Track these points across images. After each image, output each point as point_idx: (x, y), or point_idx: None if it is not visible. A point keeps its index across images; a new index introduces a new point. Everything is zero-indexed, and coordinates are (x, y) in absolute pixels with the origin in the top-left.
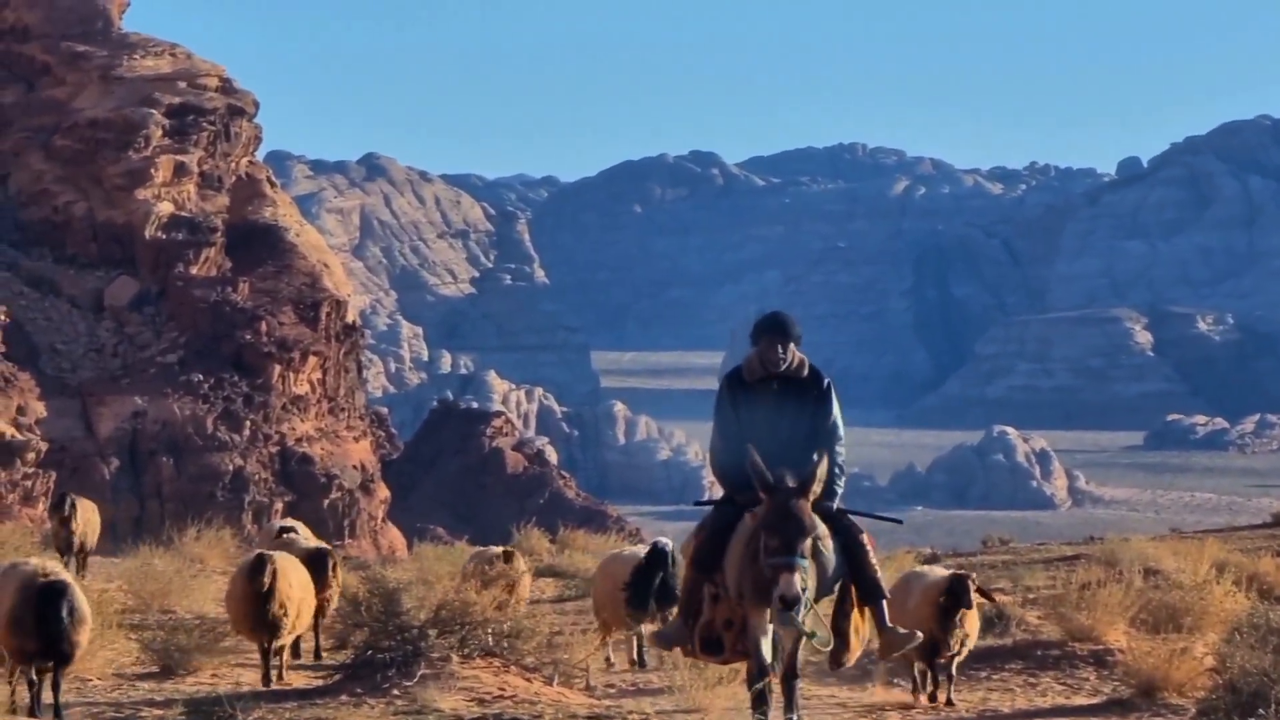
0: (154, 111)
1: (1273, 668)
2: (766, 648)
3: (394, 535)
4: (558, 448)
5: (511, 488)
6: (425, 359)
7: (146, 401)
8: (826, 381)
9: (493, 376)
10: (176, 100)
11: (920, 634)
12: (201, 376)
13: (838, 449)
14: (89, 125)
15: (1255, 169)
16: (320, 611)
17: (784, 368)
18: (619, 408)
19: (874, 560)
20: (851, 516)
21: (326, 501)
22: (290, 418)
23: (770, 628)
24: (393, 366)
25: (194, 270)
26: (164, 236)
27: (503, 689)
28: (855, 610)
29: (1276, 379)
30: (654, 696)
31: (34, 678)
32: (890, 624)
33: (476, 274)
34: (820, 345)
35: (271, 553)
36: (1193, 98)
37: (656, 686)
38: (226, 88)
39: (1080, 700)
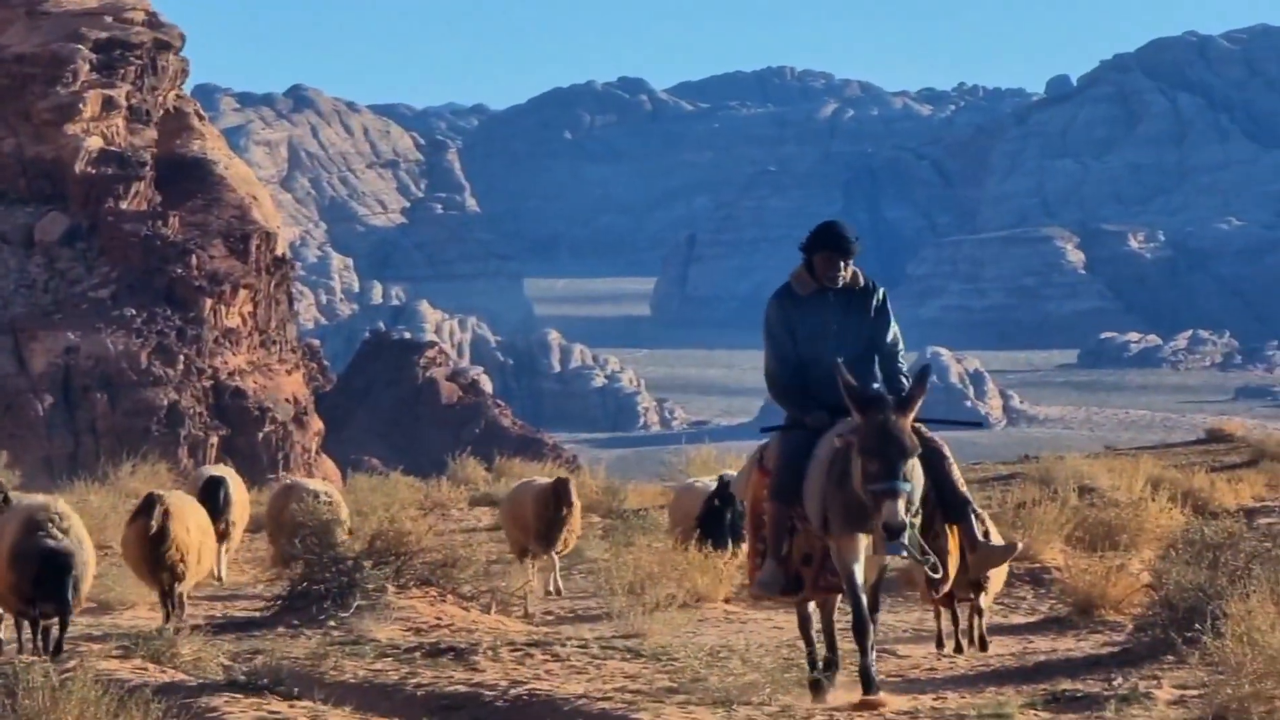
0: (81, 46)
1: (1208, 583)
2: (860, 577)
3: (328, 467)
4: (492, 377)
5: (446, 418)
6: (356, 290)
7: (79, 337)
8: (883, 292)
9: (425, 306)
10: (103, 35)
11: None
12: (134, 311)
13: (900, 360)
14: (15, 61)
15: (1184, 86)
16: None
17: (840, 285)
18: (553, 336)
19: (957, 472)
20: (923, 424)
21: (260, 435)
22: (223, 351)
23: (863, 558)
24: (324, 298)
25: (124, 205)
26: (93, 171)
27: (439, 618)
28: (948, 527)
29: (1209, 295)
30: (593, 623)
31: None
32: (982, 539)
33: (407, 204)
34: (752, 270)
35: (162, 492)
36: (1121, 15)
37: (595, 613)
38: (152, 21)
39: (1018, 619)
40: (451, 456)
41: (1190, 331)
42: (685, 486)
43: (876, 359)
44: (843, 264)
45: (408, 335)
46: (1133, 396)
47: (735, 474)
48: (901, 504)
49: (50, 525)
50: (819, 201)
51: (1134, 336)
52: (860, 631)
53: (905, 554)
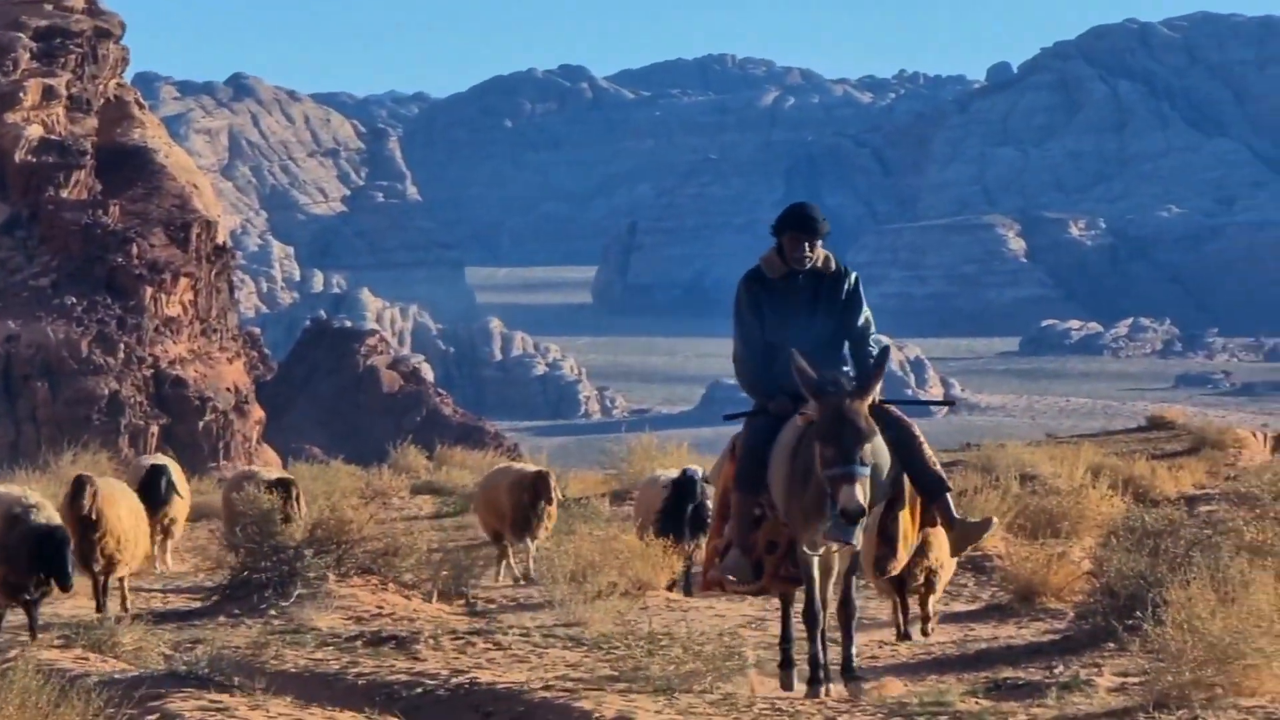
0: (21, 35)
1: (1149, 571)
2: (817, 570)
3: (269, 456)
4: (433, 365)
5: (388, 406)
6: (297, 278)
7: (20, 325)
8: (854, 275)
9: (366, 295)
10: (43, 23)
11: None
12: (74, 300)
13: (872, 343)
14: None
15: (1124, 73)
16: (167, 532)
17: (809, 267)
18: (494, 324)
19: (929, 451)
20: (893, 407)
21: (201, 424)
22: (163, 340)
23: (822, 548)
24: (265, 287)
25: (65, 193)
26: (34, 160)
27: (380, 607)
28: (905, 511)
29: (1149, 282)
30: (534, 611)
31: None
32: (959, 515)
33: (348, 192)
34: (693, 258)
35: (93, 475)
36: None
37: (537, 601)
38: (93, 9)
39: (959, 606)
40: (393, 445)
41: (1131, 319)
42: (650, 479)
43: (847, 344)
44: (809, 245)
45: (349, 324)
46: (1074, 384)
47: (698, 468)
48: (859, 488)
49: (33, 512)
50: (760, 189)
51: (1075, 324)
52: (811, 620)
53: (851, 541)
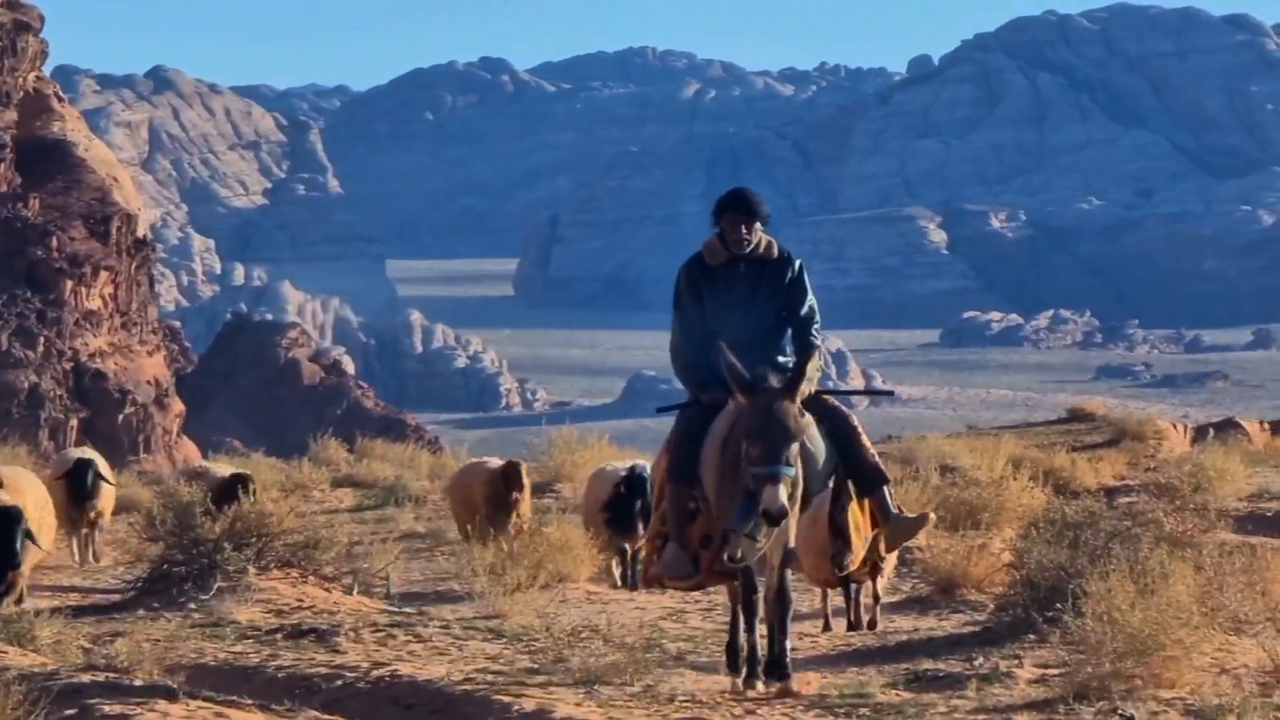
0: None
1: (1069, 563)
2: (755, 562)
3: (190, 449)
4: (355, 358)
5: (309, 399)
6: (218, 271)
7: None
8: (798, 263)
9: (287, 288)
10: None
11: (933, 515)
12: None
13: (814, 332)
14: None
15: (1044, 65)
16: (94, 525)
17: (750, 249)
18: (415, 317)
19: (868, 443)
20: (833, 397)
21: (121, 417)
22: (83, 334)
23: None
24: (185, 280)
25: None
26: None
27: (301, 600)
28: (854, 503)
29: (1069, 274)
30: (454, 604)
31: None
32: (895, 509)
33: (269, 185)
34: (614, 250)
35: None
36: None
37: (457, 594)
38: (11, 2)
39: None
40: (313, 438)
41: (1051, 311)
42: (597, 473)
43: (789, 332)
44: (746, 227)
45: (269, 317)
46: (994, 376)
47: (646, 463)
48: (783, 489)
49: None
50: (681, 182)
51: (995, 316)
52: (748, 610)
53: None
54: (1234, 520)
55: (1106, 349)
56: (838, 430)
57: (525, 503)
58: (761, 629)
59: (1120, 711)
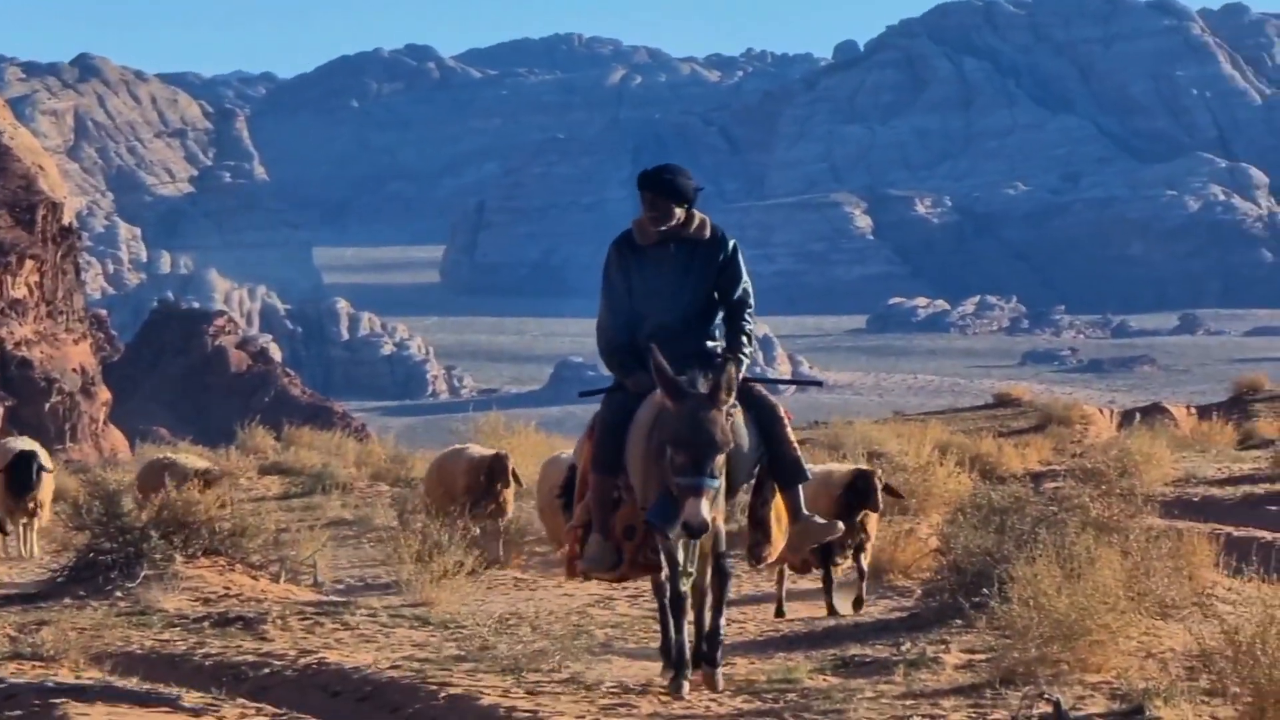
0: None
1: (995, 548)
2: (681, 552)
3: (116, 437)
4: (281, 345)
5: (236, 387)
6: (144, 259)
7: None
8: (732, 244)
9: (214, 275)
10: None
11: (842, 525)
12: None
13: (747, 316)
14: None
15: (969, 51)
16: (33, 515)
17: (669, 225)
18: (342, 304)
19: (792, 437)
20: (762, 385)
21: (47, 405)
22: (9, 322)
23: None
24: (111, 268)
25: None
26: None
27: (228, 588)
28: (777, 496)
29: (995, 260)
30: (381, 592)
31: None
32: (807, 512)
33: (195, 172)
34: (541, 237)
35: None
36: None
37: (384, 582)
38: None
39: (806, 584)
40: (240, 425)
41: (977, 296)
42: (552, 459)
43: (721, 314)
44: (663, 207)
45: (196, 304)
46: (921, 361)
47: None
48: (706, 503)
49: None
50: (607, 168)
51: (922, 301)
52: (677, 609)
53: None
54: (1160, 505)
55: (1033, 334)
56: (764, 421)
57: (509, 497)
58: (697, 617)
59: (1046, 696)
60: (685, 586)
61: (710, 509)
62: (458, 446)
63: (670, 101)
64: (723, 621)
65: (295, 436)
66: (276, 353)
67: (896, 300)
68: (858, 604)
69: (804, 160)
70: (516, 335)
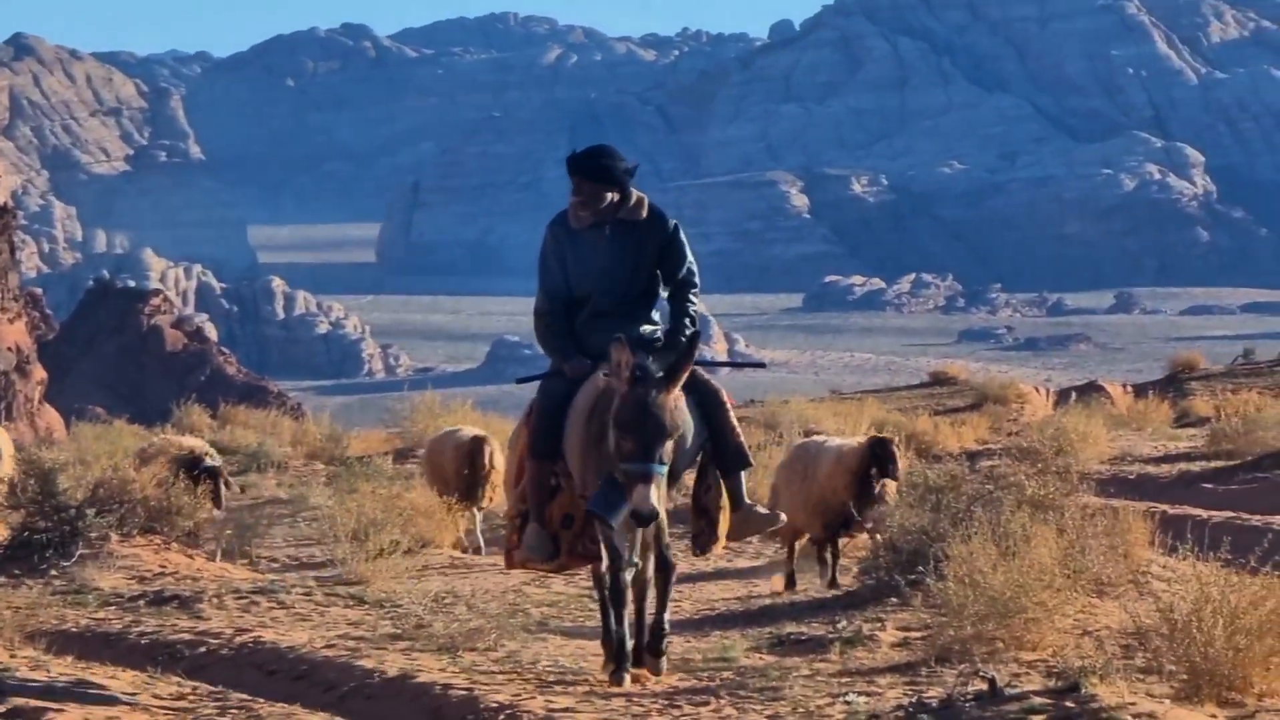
0: None
1: (931, 526)
2: (621, 540)
3: (51, 416)
4: (217, 324)
5: (171, 366)
6: (80, 239)
7: None
8: (673, 224)
9: (149, 254)
10: None
11: (784, 517)
12: None
13: (692, 296)
14: None
15: (905, 30)
16: None
17: (600, 209)
18: (277, 283)
19: (735, 423)
20: (703, 369)
21: None
22: None
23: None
24: (47, 247)
25: None
26: None
27: (164, 566)
28: (722, 484)
29: (931, 238)
30: (317, 570)
31: None
32: (750, 500)
33: (131, 151)
34: (477, 215)
35: None
36: None
37: (320, 560)
38: None
39: (743, 563)
40: (176, 404)
41: (913, 275)
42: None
43: (662, 298)
44: (591, 191)
45: (132, 283)
46: (857, 340)
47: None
48: (654, 490)
49: None
50: (544, 147)
51: (858, 280)
52: (618, 600)
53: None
54: (1096, 483)
55: (969, 313)
56: (707, 406)
57: (496, 481)
58: (639, 609)
59: (982, 674)
60: (628, 578)
61: (659, 496)
62: (448, 429)
63: (606, 81)
64: (667, 615)
65: (231, 415)
66: (212, 331)
67: (832, 279)
68: (833, 583)
69: (740, 139)
70: (452, 314)
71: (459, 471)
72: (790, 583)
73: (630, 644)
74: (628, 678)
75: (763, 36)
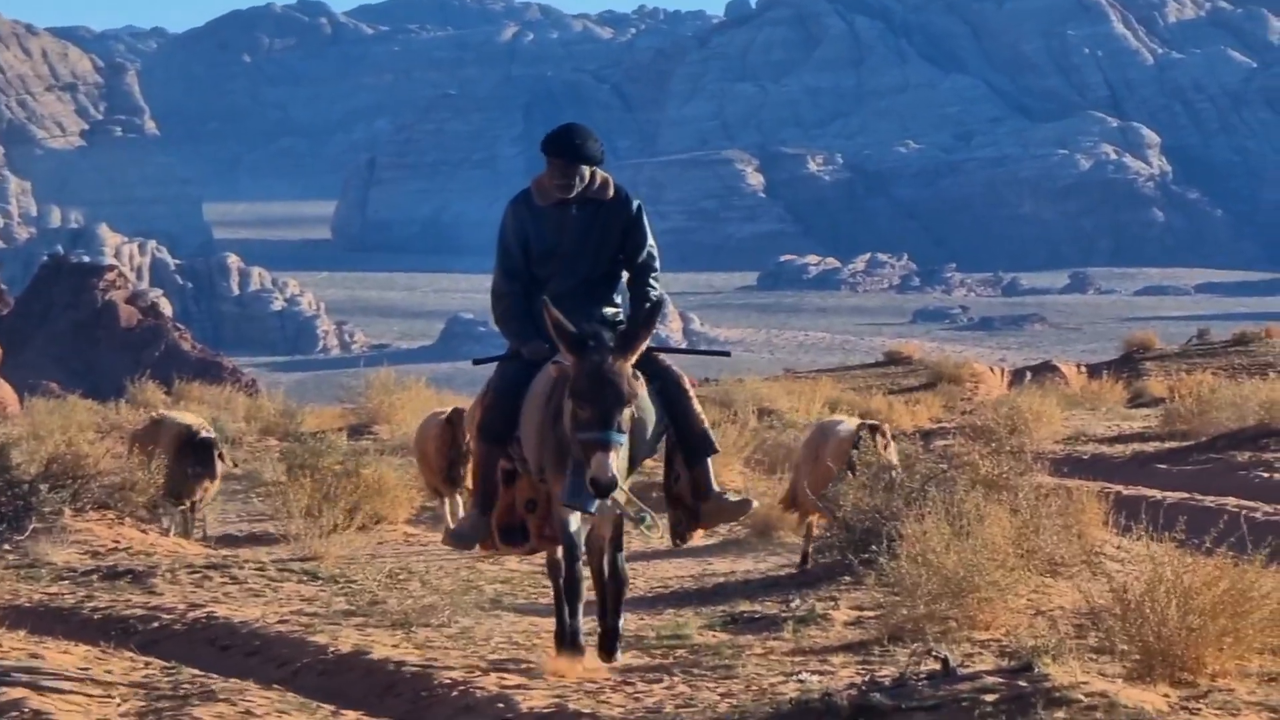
0: None
1: (884, 505)
2: (576, 526)
3: (6, 392)
4: (172, 300)
5: (126, 341)
6: (34, 214)
7: None
8: (637, 205)
9: (104, 230)
10: None
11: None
12: None
13: (653, 280)
14: None
15: (861, 9)
16: None
17: (576, 193)
18: (233, 259)
19: (699, 409)
20: (666, 355)
21: None
22: None
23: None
24: (1, 222)
25: None
26: None
27: (117, 541)
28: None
29: (886, 218)
30: (270, 546)
31: None
32: (718, 488)
33: (86, 126)
34: (433, 193)
35: None
36: None
37: (273, 535)
38: None
39: (696, 541)
40: (131, 380)
41: (869, 254)
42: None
43: (624, 279)
44: (570, 172)
45: (86, 259)
46: (812, 319)
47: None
48: (613, 458)
49: None
50: (499, 125)
51: (813, 259)
52: (572, 591)
53: (614, 512)
54: (1050, 463)
55: (924, 292)
56: (669, 391)
57: None
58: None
59: (934, 653)
60: (582, 569)
61: (618, 466)
62: (435, 411)
63: (563, 58)
64: (621, 623)
65: (185, 391)
66: (167, 307)
67: (788, 258)
68: (804, 561)
69: (696, 118)
70: (407, 291)
71: (441, 451)
72: (804, 561)
73: (581, 635)
74: (580, 669)
75: (719, 14)
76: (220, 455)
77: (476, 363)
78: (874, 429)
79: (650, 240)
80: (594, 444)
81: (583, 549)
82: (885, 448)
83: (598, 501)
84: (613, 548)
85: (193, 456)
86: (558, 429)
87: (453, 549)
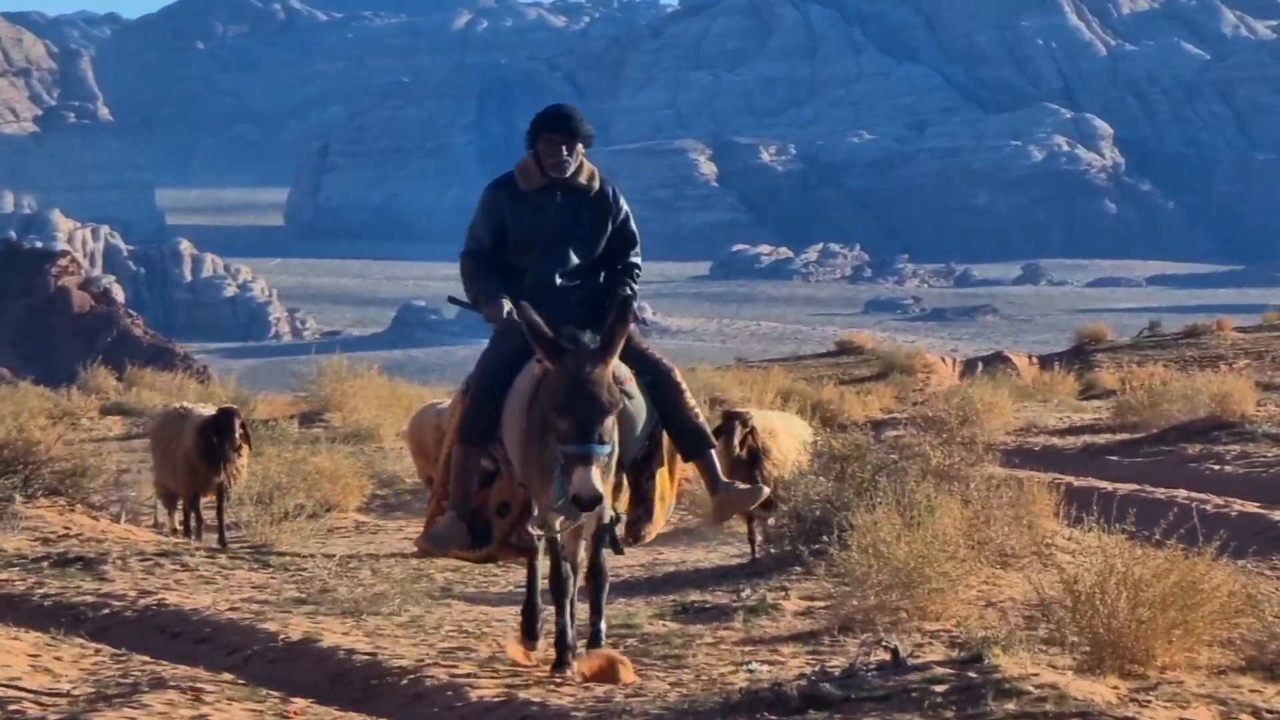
0: None
1: (835, 495)
2: (559, 527)
3: None
4: (124, 286)
5: (79, 327)
6: None
7: None
8: (624, 204)
9: (57, 215)
10: None
11: (767, 489)
12: None
13: (633, 278)
14: None
15: None
16: None
17: (569, 174)
18: (185, 245)
19: (692, 402)
20: (654, 349)
21: None
22: None
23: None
24: None
25: None
26: None
27: (68, 528)
28: (664, 469)
29: (839, 208)
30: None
31: None
32: (726, 479)
33: (39, 112)
34: (385, 180)
35: None
36: None
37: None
38: None
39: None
40: (83, 366)
41: (821, 244)
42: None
43: (603, 275)
44: (568, 149)
45: (39, 244)
46: (764, 308)
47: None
48: (596, 471)
49: None
50: (453, 112)
51: (765, 249)
52: (559, 590)
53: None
54: (1001, 454)
55: (876, 283)
56: (660, 385)
57: None
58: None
59: (885, 643)
60: (569, 567)
61: (601, 479)
62: (431, 402)
63: (516, 47)
64: (602, 625)
65: (137, 377)
66: (120, 293)
67: (740, 247)
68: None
69: (649, 107)
70: (360, 278)
71: (439, 441)
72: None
73: (571, 634)
74: (570, 671)
75: (674, 3)
76: (243, 428)
77: (451, 300)
78: (736, 416)
79: (634, 231)
80: (575, 458)
81: (566, 556)
82: (747, 437)
83: (584, 515)
84: (596, 543)
85: (217, 435)
86: (545, 438)
87: (428, 553)
